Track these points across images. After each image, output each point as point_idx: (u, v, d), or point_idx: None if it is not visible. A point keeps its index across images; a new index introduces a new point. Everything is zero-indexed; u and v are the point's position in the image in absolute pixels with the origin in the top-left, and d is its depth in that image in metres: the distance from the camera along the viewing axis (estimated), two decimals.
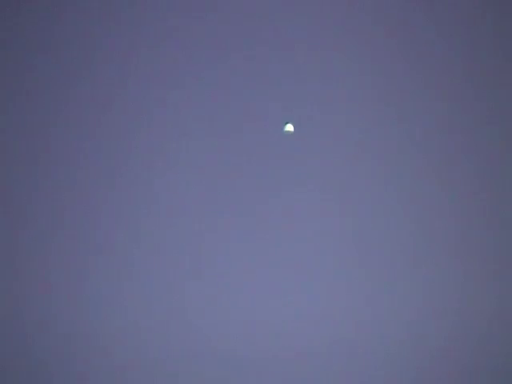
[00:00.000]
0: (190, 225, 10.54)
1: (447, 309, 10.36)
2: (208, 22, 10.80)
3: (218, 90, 10.73)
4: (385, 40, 10.74)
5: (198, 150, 10.65)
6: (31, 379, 10.22)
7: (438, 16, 10.74)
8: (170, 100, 10.71)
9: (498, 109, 10.65)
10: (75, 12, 10.76)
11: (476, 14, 10.72)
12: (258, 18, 10.81)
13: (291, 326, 10.41)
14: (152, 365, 10.31)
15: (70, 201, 10.55)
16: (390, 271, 10.45)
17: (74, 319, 10.36)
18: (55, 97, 10.70)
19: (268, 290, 10.46)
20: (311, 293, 10.45)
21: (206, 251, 10.52)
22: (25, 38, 10.70)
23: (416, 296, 10.40)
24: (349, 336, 10.38)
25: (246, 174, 10.61)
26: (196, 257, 10.51)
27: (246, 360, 10.34)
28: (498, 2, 10.68)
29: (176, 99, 10.71)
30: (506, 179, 10.54)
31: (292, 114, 10.63)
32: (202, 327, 10.40)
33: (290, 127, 10.53)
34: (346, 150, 10.63)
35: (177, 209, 10.56)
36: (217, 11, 10.81)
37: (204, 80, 10.73)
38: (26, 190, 10.54)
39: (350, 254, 10.48)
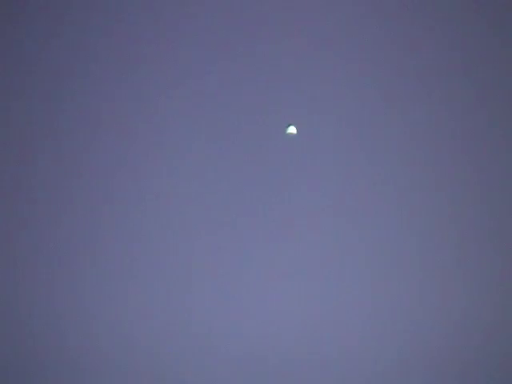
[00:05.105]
0: (191, 226, 10.55)
1: (448, 310, 10.38)
2: (208, 22, 10.80)
3: (218, 91, 10.73)
4: (386, 41, 10.75)
5: (199, 151, 10.64)
6: (31, 379, 10.22)
7: (439, 16, 10.75)
8: (169, 101, 10.70)
9: (499, 109, 10.66)
10: (75, 11, 10.76)
11: (478, 14, 10.74)
12: (259, 19, 10.82)
13: (292, 327, 10.42)
14: (151, 365, 10.32)
15: (70, 202, 10.55)
16: (392, 273, 10.47)
17: (73, 320, 10.36)
18: (53, 98, 10.70)
19: (270, 291, 10.47)
20: (313, 294, 10.46)
21: (208, 252, 10.53)
22: (25, 36, 10.70)
23: (417, 297, 10.41)
24: (349, 337, 10.38)
25: (248, 176, 10.62)
26: (198, 258, 10.51)
27: (247, 361, 10.34)
28: (500, 3, 10.69)
29: (175, 101, 10.70)
30: (506, 180, 10.55)
31: (294, 116, 10.64)
32: (203, 328, 10.41)
33: (292, 129, 10.53)
34: (350, 151, 10.63)
35: (177, 211, 10.56)
36: (217, 12, 10.81)
37: (204, 81, 10.73)
38: (26, 192, 10.55)
39: (351, 256, 10.49)
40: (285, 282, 10.49)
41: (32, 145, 10.60)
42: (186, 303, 10.43)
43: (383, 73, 10.74)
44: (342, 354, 10.35)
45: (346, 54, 10.76)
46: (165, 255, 10.49)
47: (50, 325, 10.34)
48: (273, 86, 10.72)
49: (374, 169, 10.62)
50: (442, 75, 10.73)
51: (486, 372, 10.28)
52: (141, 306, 10.40)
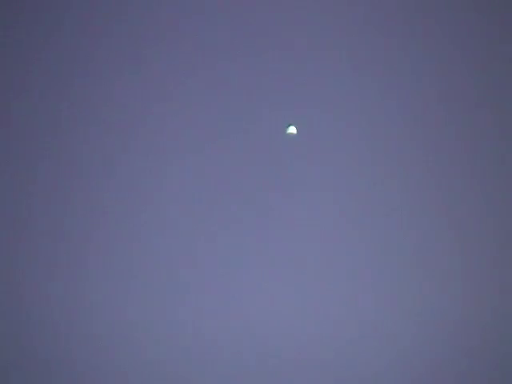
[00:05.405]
0: (191, 226, 10.55)
1: (448, 309, 10.38)
2: (208, 23, 10.80)
3: (219, 92, 10.74)
4: (386, 41, 10.77)
5: (199, 152, 10.65)
6: (31, 380, 10.22)
7: (440, 16, 10.77)
8: (170, 102, 10.71)
9: (499, 109, 10.68)
10: (75, 11, 10.77)
11: (478, 15, 10.76)
12: (259, 19, 10.83)
13: (293, 327, 10.42)
14: (151, 366, 10.31)
15: (70, 204, 10.55)
16: (392, 272, 10.48)
17: (74, 321, 10.36)
18: (53, 98, 10.71)
19: (271, 291, 10.47)
20: (313, 293, 10.46)
21: (208, 253, 10.53)
22: (25, 36, 10.70)
23: (417, 297, 10.42)
24: (349, 336, 10.39)
25: (249, 176, 10.62)
26: (198, 258, 10.51)
27: (248, 361, 10.34)
28: (500, 4, 10.72)
29: (176, 101, 10.71)
30: (506, 179, 10.57)
31: (295, 116, 10.65)
32: (204, 328, 10.41)
33: (292, 129, 10.55)
34: (350, 151, 10.65)
35: (178, 212, 10.56)
36: (217, 12, 10.82)
37: (205, 82, 10.74)
38: (26, 193, 10.54)
39: (351, 255, 10.50)
40: (284, 282, 10.50)
41: (32, 145, 10.61)
42: (186, 303, 10.44)
43: (383, 73, 10.76)
44: (341, 353, 10.36)
45: (347, 54, 10.77)
46: (166, 255, 10.49)
47: (50, 325, 10.34)
48: (273, 87, 10.74)
49: (374, 168, 10.63)
50: (442, 76, 10.75)
51: (485, 372, 10.30)
52: (141, 307, 10.40)
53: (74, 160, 10.60)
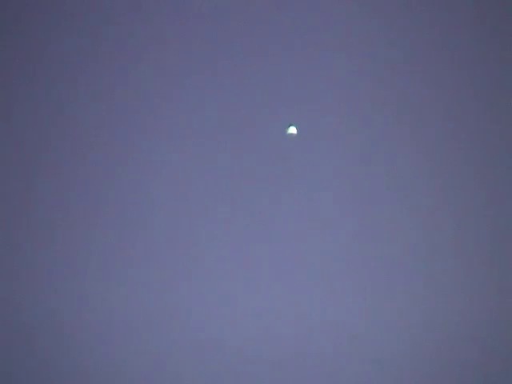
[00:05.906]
0: (191, 227, 10.55)
1: (448, 310, 10.39)
2: (208, 22, 10.80)
3: (218, 91, 10.74)
4: (387, 41, 10.76)
5: (198, 152, 10.65)
6: (31, 380, 10.22)
7: (440, 18, 10.77)
8: (169, 101, 10.71)
9: (499, 110, 10.68)
10: (75, 11, 10.76)
11: (478, 16, 10.76)
12: (259, 19, 10.82)
13: (292, 327, 10.43)
14: (151, 366, 10.32)
15: (69, 203, 10.56)
16: (390, 272, 10.48)
17: (74, 320, 10.37)
18: (54, 97, 10.71)
19: (271, 291, 10.48)
20: (314, 295, 10.47)
21: (208, 253, 10.54)
22: (25, 36, 10.70)
23: (417, 296, 10.43)
24: (349, 336, 10.40)
25: (249, 176, 10.62)
26: (197, 259, 10.52)
27: (247, 361, 10.35)
28: (500, 5, 10.71)
29: (175, 101, 10.71)
30: (506, 180, 10.57)
31: (295, 116, 10.65)
32: (203, 328, 10.42)
33: (293, 129, 10.55)
34: (351, 152, 10.65)
35: (177, 212, 10.57)
36: (217, 12, 10.81)
37: (204, 81, 10.73)
38: (25, 192, 10.55)
39: (352, 256, 10.51)
40: (284, 282, 10.51)
41: (34, 145, 10.62)
42: (186, 303, 10.45)
43: (384, 73, 10.76)
44: (340, 353, 10.37)
45: (347, 54, 10.77)
46: (166, 254, 10.50)
47: (50, 324, 10.35)
48: (274, 87, 10.73)
49: (374, 169, 10.64)
50: (443, 76, 10.75)
51: (484, 373, 10.31)
52: (141, 307, 10.41)
53: (74, 159, 10.61)
